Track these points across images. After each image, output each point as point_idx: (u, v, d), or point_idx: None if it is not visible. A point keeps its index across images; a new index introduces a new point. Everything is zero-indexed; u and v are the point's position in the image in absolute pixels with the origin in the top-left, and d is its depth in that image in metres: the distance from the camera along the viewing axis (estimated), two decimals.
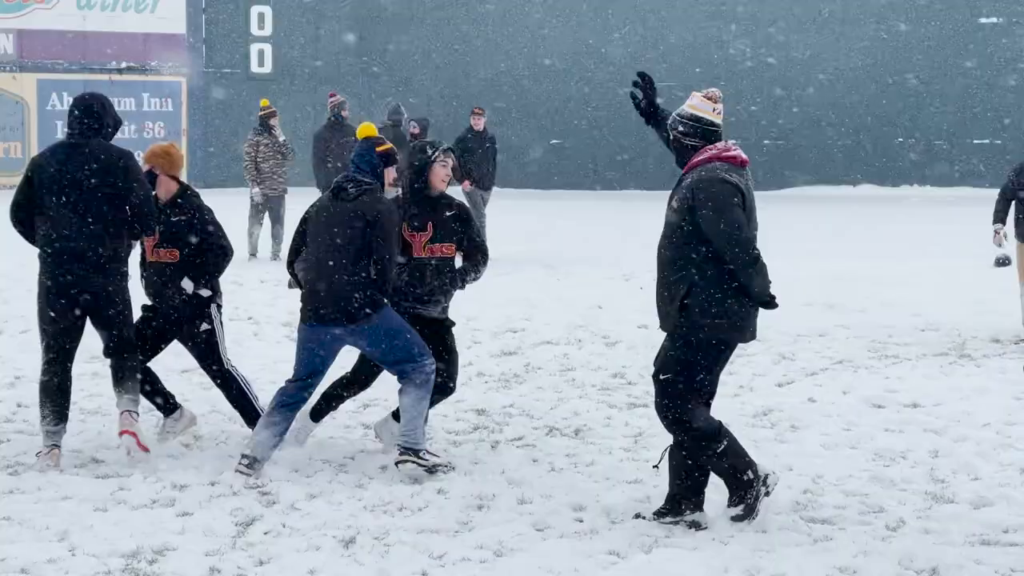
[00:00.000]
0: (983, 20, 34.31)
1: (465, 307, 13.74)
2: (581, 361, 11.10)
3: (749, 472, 6.54)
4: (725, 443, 6.55)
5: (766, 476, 6.58)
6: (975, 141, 34.25)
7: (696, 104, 6.61)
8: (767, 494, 6.61)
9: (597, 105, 32.44)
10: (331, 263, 7.42)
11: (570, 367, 10.85)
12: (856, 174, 33.44)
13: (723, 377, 10.07)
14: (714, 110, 6.58)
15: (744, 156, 6.59)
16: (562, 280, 16.44)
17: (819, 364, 10.95)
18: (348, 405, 9.36)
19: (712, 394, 6.86)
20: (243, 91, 30.98)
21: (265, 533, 6.55)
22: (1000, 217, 12.83)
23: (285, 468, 7.61)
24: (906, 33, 33.91)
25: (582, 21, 32.88)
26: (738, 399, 9.63)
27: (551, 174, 32.76)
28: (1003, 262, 17.71)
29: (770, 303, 6.56)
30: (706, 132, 6.58)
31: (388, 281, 7.48)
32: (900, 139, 34.06)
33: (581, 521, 6.73)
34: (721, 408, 9.09)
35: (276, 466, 7.60)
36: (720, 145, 6.57)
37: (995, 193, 13.41)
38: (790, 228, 22.54)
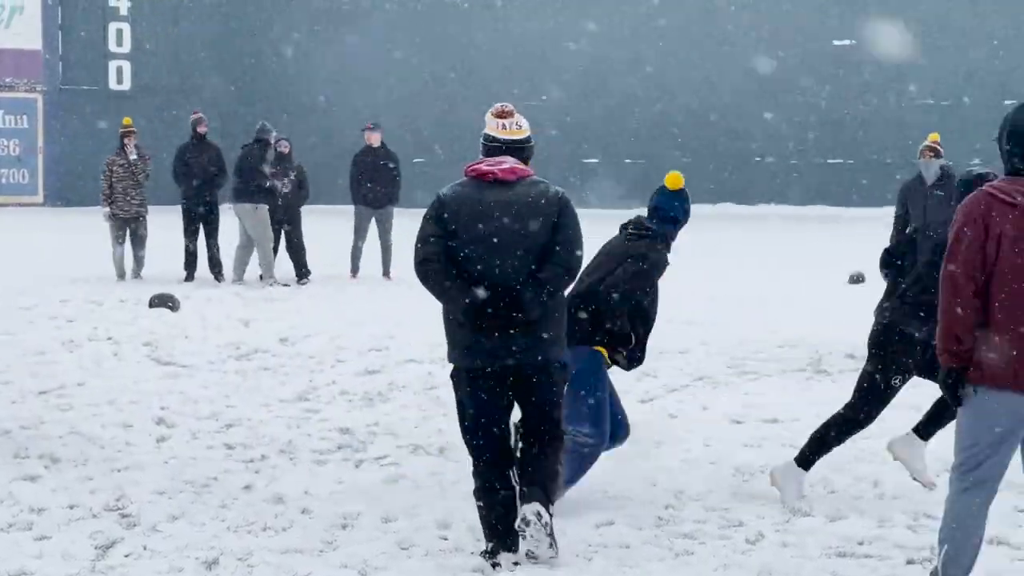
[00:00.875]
0: (836, 42, 35.12)
1: (332, 325, 13.76)
2: (445, 379, 11.01)
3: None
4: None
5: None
6: (829, 161, 35.03)
7: (486, 119, 6.46)
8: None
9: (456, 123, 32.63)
10: None
11: (434, 385, 10.85)
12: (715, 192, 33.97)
13: None
14: (499, 125, 6.35)
15: (491, 169, 6.21)
16: (425, 298, 16.42)
17: (680, 380, 11.11)
18: (210, 424, 9.31)
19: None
20: (102, 108, 30.56)
21: (126, 556, 6.46)
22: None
23: (146, 489, 7.51)
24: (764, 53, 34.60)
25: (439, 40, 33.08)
26: None
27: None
28: (857, 279, 18.20)
29: (466, 323, 6.22)
30: (488, 148, 6.39)
31: None
32: (758, 158, 34.72)
33: (446, 539, 6.74)
34: None
35: (137, 487, 7.50)
36: (486, 159, 6.33)
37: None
38: None
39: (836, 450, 8.44)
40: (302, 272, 18.11)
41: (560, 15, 33.94)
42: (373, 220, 18.63)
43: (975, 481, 5.28)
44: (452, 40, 33.72)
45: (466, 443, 6.49)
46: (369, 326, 13.79)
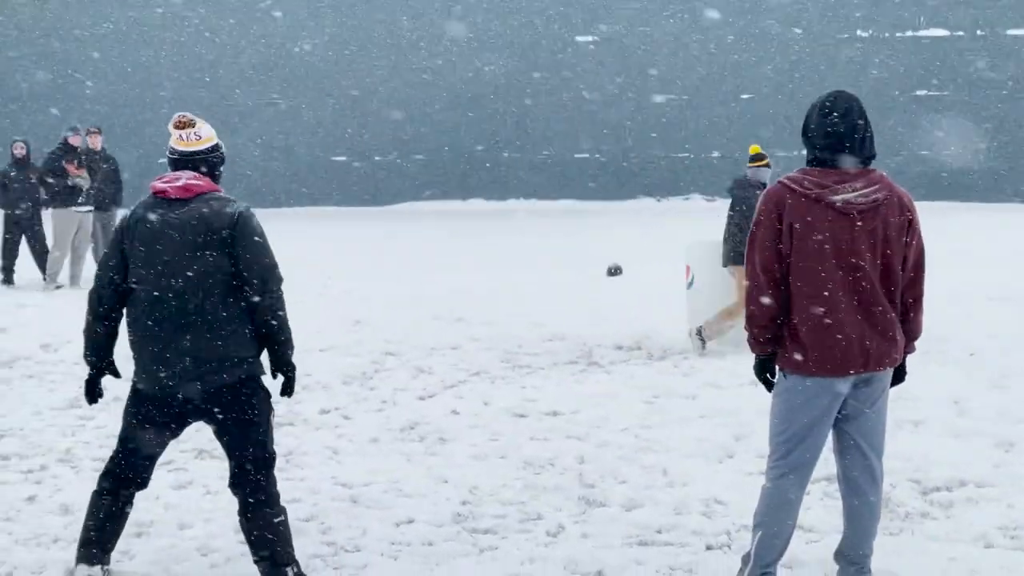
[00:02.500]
0: (579, 38, 35.81)
1: None
2: None
3: None
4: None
5: None
6: (576, 156, 35.70)
7: (168, 130, 6.01)
8: None
9: None
10: None
11: None
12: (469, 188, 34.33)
13: (365, 393, 10.26)
14: (178, 136, 5.91)
15: (165, 187, 5.80)
16: None
17: (457, 376, 11.18)
18: None
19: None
20: None
21: None
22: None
23: None
24: (514, 53, 35.03)
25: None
26: (382, 414, 9.72)
27: None
28: (615, 271, 18.63)
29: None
30: (171, 161, 5.96)
31: None
32: (507, 154, 35.18)
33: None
34: (367, 424, 9.25)
35: None
36: (165, 175, 5.94)
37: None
38: (410, 243, 22.93)
39: (621, 441, 8.68)
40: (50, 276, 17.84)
41: None
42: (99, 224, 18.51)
43: (789, 467, 5.46)
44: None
45: (114, 454, 6.02)
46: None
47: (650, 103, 35.57)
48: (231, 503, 7.30)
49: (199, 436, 8.99)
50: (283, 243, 24.13)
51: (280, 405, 9.95)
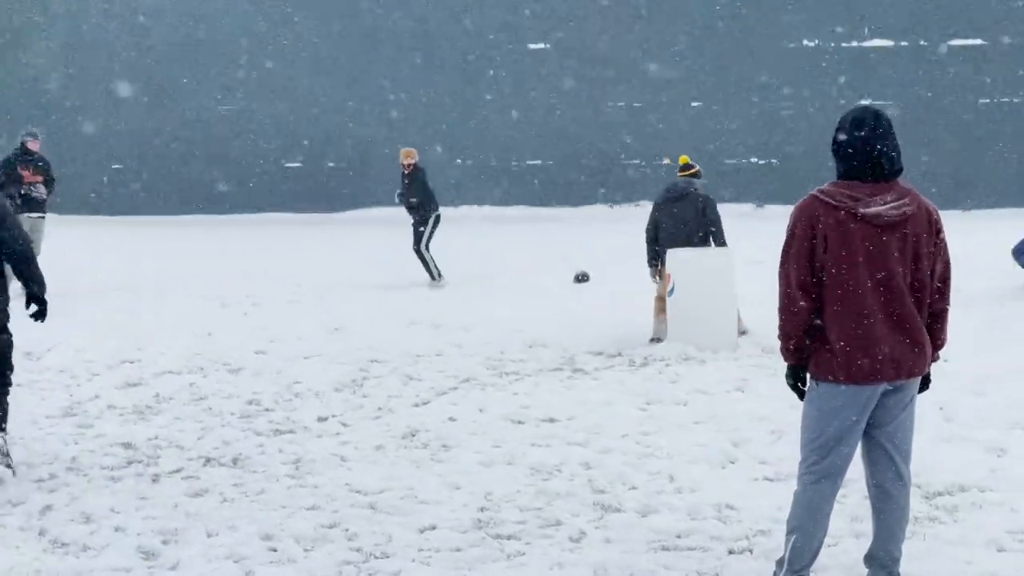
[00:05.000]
0: (531, 46, 35.98)
1: (71, 337, 13.33)
2: (211, 389, 10.98)
3: None
4: None
5: None
6: (528, 162, 35.86)
7: None
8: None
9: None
10: None
11: (202, 396, 10.72)
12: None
13: (359, 400, 10.35)
14: None
15: None
16: (162, 307, 16.19)
17: (446, 383, 11.26)
18: None
19: None
20: None
21: None
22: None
23: None
24: (468, 60, 35.19)
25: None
26: (381, 421, 9.81)
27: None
28: (582, 278, 18.78)
29: None
30: None
31: None
32: (460, 160, 35.29)
33: (275, 550, 6.71)
34: (368, 431, 9.35)
35: None
36: None
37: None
38: (371, 249, 22.97)
39: (624, 447, 8.82)
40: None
41: None
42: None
43: (822, 474, 5.62)
44: None
45: None
46: (111, 338, 13.47)
47: (605, 109, 35.76)
48: (251, 511, 7.41)
49: (202, 444, 9.06)
50: (241, 251, 24.01)
51: (277, 412, 10.07)
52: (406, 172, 18.97)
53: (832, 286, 5.51)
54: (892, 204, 5.48)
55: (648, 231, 13.48)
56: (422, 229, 18.87)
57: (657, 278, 13.33)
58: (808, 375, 5.66)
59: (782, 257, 5.62)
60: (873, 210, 5.46)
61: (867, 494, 5.97)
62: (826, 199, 5.52)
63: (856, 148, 5.52)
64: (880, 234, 5.47)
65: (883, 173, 5.53)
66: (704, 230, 13.13)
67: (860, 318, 5.48)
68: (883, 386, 5.56)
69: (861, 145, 5.51)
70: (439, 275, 18.74)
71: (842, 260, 5.47)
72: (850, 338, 5.48)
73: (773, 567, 6.02)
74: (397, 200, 19.28)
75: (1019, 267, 15.89)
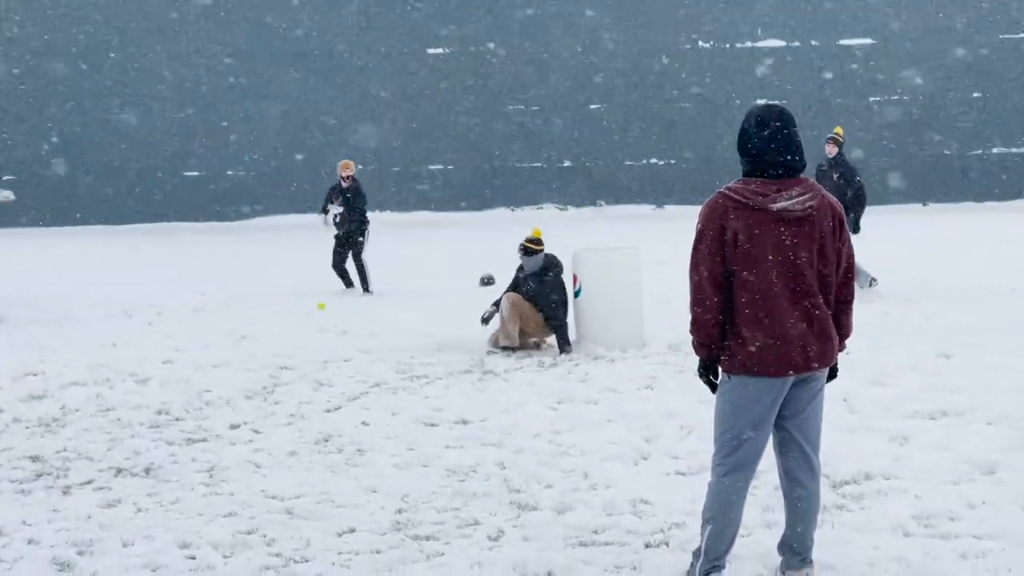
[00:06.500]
0: (430, 50, 36.03)
1: None
2: (118, 400, 10.89)
3: None
4: None
5: None
6: (430, 167, 35.90)
7: None
8: None
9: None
10: None
11: (110, 407, 10.63)
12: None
13: (270, 407, 10.34)
14: None
15: None
16: (64, 318, 16.04)
17: (357, 388, 11.27)
18: None
19: None
20: None
21: None
22: None
23: None
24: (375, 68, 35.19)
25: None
26: (293, 427, 9.79)
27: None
28: (488, 281, 18.86)
29: None
30: None
31: None
32: (362, 166, 35.29)
33: (193, 558, 6.69)
34: (281, 438, 9.34)
35: None
36: None
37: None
38: (271, 257, 22.85)
39: (537, 447, 8.90)
40: None
41: None
42: None
43: (735, 465, 5.73)
44: None
45: None
46: (12, 350, 13.32)
47: (503, 112, 35.92)
48: (166, 520, 7.37)
49: (113, 455, 8.99)
50: (145, 260, 23.80)
51: (188, 422, 10.03)
52: (345, 184, 18.89)
53: (743, 281, 5.60)
54: (798, 199, 5.60)
55: None
56: (361, 239, 18.79)
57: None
58: (720, 368, 5.77)
59: (692, 255, 5.70)
60: (781, 204, 5.56)
61: (778, 484, 6.09)
62: (736, 196, 5.61)
63: (763, 145, 5.63)
64: (789, 228, 5.57)
65: (789, 169, 5.65)
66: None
67: (771, 311, 5.58)
68: (792, 377, 5.68)
69: (768, 142, 5.62)
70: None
71: (753, 255, 5.56)
72: (761, 331, 5.58)
73: (690, 558, 6.13)
74: (325, 212, 19.00)
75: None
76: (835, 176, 16.68)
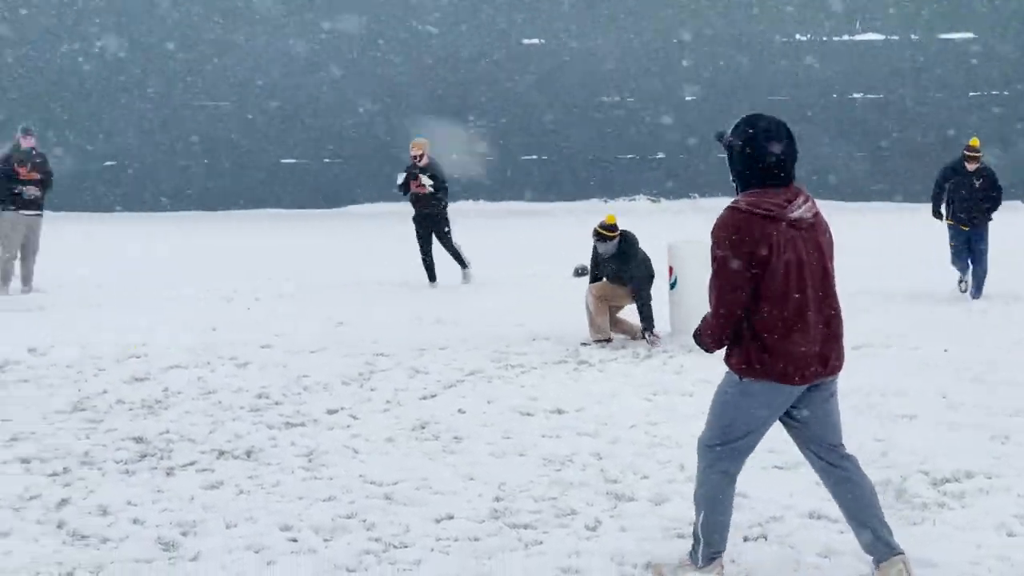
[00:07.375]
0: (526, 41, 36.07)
1: (75, 333, 13.40)
2: (219, 384, 11.05)
3: None
4: None
5: None
6: (523, 158, 35.95)
7: None
8: None
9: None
10: None
11: (211, 390, 10.78)
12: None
13: (367, 393, 10.43)
14: None
15: None
16: (165, 302, 16.29)
17: (453, 376, 11.34)
18: None
19: None
20: None
21: None
22: None
23: None
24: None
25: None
26: (390, 413, 9.87)
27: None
28: (582, 272, 18.86)
29: None
30: None
31: None
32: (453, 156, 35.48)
33: (295, 540, 6.77)
34: (378, 423, 9.41)
35: None
36: None
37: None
38: (358, 245, 23.00)
39: (633, 437, 8.91)
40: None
41: None
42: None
43: (733, 453, 5.79)
44: None
45: None
46: (115, 333, 13.54)
47: (598, 104, 35.88)
48: (267, 502, 7.47)
49: (214, 437, 9.12)
50: (242, 246, 24.16)
51: (287, 406, 10.15)
52: (419, 164, 18.36)
53: (768, 290, 5.56)
54: (805, 206, 5.67)
55: None
56: (447, 229, 18.43)
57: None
58: (736, 374, 5.74)
59: (722, 272, 5.59)
60: (796, 214, 5.61)
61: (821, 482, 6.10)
62: (759, 210, 5.57)
63: (772, 157, 5.63)
64: (803, 236, 5.63)
65: (789, 179, 5.68)
66: None
67: (796, 320, 5.59)
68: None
69: (777, 154, 5.64)
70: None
71: (776, 264, 5.53)
72: (789, 342, 5.58)
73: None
74: (401, 192, 18.73)
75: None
76: (978, 183, 16.54)
